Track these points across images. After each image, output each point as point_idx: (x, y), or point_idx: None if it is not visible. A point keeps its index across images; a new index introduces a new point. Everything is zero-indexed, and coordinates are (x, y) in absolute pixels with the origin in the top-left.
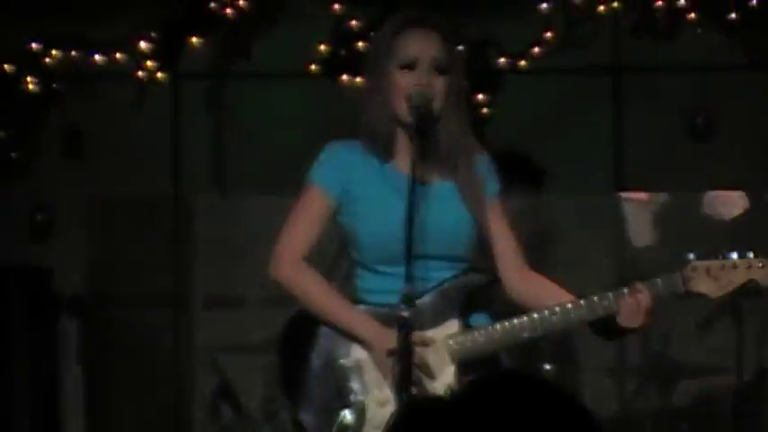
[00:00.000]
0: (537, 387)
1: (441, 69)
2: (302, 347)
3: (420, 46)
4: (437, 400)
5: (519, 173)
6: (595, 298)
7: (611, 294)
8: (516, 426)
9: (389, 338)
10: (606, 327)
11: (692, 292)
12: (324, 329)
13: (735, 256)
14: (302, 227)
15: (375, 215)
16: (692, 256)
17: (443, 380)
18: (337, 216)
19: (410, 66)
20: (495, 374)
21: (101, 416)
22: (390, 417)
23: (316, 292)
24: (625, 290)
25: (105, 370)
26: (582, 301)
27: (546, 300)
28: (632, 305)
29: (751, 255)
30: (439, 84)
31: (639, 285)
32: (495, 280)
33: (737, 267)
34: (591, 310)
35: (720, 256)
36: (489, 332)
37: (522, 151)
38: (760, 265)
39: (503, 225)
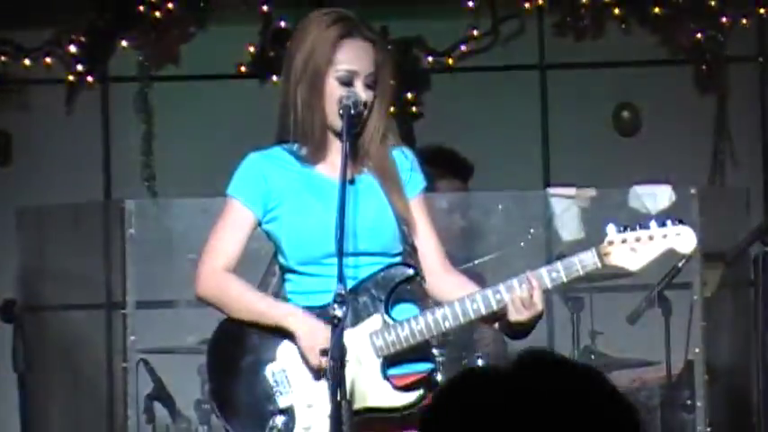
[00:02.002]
0: (572, 364)
1: (372, 85)
2: (230, 354)
3: (359, 61)
4: (490, 369)
5: (446, 168)
6: (489, 291)
7: (502, 286)
8: (562, 398)
9: (320, 333)
10: (506, 323)
11: (610, 266)
12: (250, 336)
13: (654, 225)
14: (222, 243)
15: (296, 217)
16: (610, 229)
17: (370, 377)
18: (261, 225)
19: (347, 82)
20: (535, 352)
21: (35, 420)
22: (444, 381)
23: (237, 294)
24: (515, 281)
25: (38, 374)
26: (478, 295)
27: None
28: (518, 298)
29: (669, 223)
30: (370, 97)
31: (529, 275)
32: (418, 272)
33: (653, 238)
34: (486, 304)
35: (638, 228)
36: (411, 325)
37: (449, 147)
38: (676, 233)
39: (426, 222)
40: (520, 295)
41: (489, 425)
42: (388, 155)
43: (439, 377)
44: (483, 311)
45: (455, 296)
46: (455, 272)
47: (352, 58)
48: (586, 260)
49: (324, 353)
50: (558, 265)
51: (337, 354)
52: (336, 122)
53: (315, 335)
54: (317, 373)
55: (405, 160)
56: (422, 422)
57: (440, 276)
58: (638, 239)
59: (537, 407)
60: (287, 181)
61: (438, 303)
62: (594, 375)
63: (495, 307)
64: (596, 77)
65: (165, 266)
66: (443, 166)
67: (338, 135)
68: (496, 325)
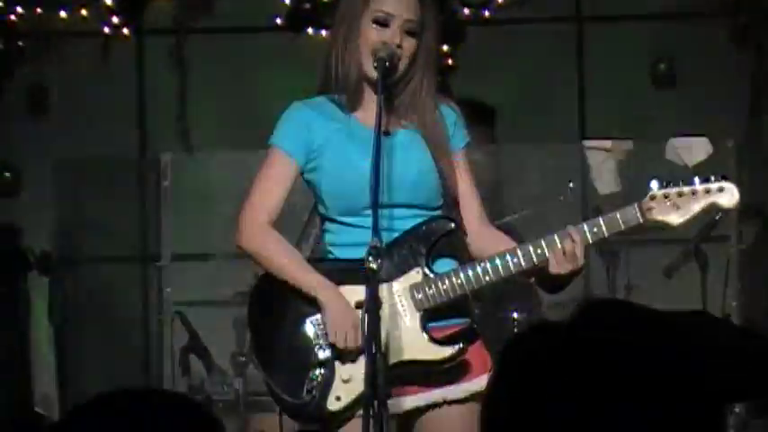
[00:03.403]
0: (637, 309)
1: (412, 32)
2: (271, 306)
3: (396, 4)
4: (552, 323)
5: (470, 116)
6: (530, 246)
7: (543, 241)
8: (629, 342)
9: (349, 317)
10: (543, 276)
11: (652, 221)
12: (291, 289)
13: (697, 181)
14: (266, 193)
15: (337, 167)
16: (654, 184)
17: (410, 330)
18: (303, 174)
19: (383, 23)
20: (598, 301)
21: (71, 372)
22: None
23: (275, 253)
24: (556, 236)
25: (75, 326)
26: (518, 249)
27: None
28: (560, 252)
29: (712, 178)
30: (408, 45)
31: (571, 230)
32: (459, 226)
33: (696, 193)
34: (527, 259)
35: (681, 184)
36: (452, 280)
37: (466, 93)
38: (718, 187)
39: (467, 177)
40: (561, 248)
41: (554, 381)
42: (433, 110)
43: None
44: (524, 266)
45: (494, 251)
46: (493, 228)
47: (387, 0)
48: (629, 215)
49: (359, 305)
50: (600, 220)
51: (372, 306)
52: (372, 71)
53: (344, 318)
54: (343, 352)
55: (450, 115)
56: (488, 388)
57: (479, 232)
58: (680, 195)
59: (600, 358)
60: (329, 130)
61: (476, 258)
62: (666, 321)
63: (535, 261)
64: (633, 30)
65: (199, 219)
66: (466, 114)
67: (375, 84)
68: (533, 279)
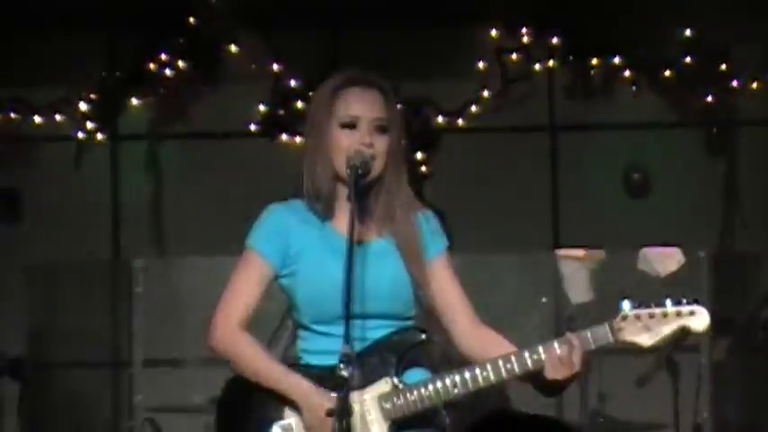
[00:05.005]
0: (528, 421)
1: (381, 129)
2: (238, 410)
3: (361, 105)
4: None
5: None
6: (525, 352)
7: (540, 347)
8: None
9: (321, 399)
10: (540, 381)
11: (622, 342)
12: (259, 392)
13: (669, 303)
14: (239, 294)
15: (312, 275)
16: (625, 305)
17: None
18: (278, 278)
19: (351, 125)
20: (491, 417)
21: None
22: None
23: (249, 356)
24: (555, 342)
25: None
26: (512, 356)
27: (493, 355)
28: (556, 357)
29: (684, 301)
30: (380, 143)
31: (570, 336)
32: (430, 337)
33: (667, 315)
34: (521, 365)
35: (653, 305)
36: (421, 391)
37: (439, 201)
38: (689, 311)
39: (450, 281)
40: (558, 354)
41: None
42: (407, 218)
43: None
44: (517, 372)
45: (487, 355)
46: (485, 328)
47: (352, 102)
48: (599, 334)
49: (330, 413)
50: (573, 335)
51: (343, 415)
52: (345, 176)
53: (315, 400)
54: None
55: (425, 222)
56: None
57: (471, 335)
58: (651, 316)
59: None
60: (305, 236)
61: (467, 364)
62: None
63: (530, 367)
64: (606, 139)
65: (172, 325)
66: None
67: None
68: (530, 383)
